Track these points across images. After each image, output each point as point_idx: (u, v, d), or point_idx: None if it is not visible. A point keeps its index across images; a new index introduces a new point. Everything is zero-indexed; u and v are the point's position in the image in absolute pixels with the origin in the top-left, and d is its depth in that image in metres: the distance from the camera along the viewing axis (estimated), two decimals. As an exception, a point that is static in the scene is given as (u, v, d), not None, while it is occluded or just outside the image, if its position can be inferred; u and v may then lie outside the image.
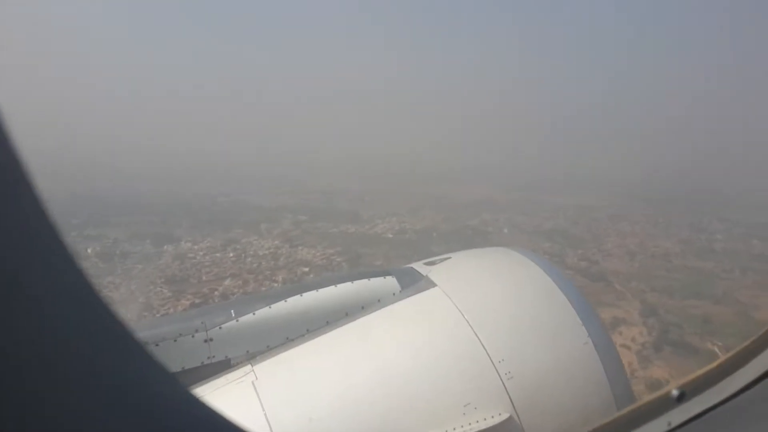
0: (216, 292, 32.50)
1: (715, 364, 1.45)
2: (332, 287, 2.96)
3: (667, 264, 49.59)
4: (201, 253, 41.86)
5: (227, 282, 34.50)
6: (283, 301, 2.85)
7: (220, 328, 2.69)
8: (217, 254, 42.12)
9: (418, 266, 3.30)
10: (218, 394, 2.49)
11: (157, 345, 2.54)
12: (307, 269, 39.62)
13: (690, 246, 57.08)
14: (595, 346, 2.65)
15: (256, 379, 2.52)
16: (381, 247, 49.47)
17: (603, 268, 46.68)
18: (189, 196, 74.77)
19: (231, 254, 42.13)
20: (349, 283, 2.99)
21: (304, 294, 2.90)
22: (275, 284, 34.75)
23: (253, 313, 2.78)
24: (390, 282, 3.04)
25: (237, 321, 2.74)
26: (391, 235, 54.43)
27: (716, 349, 31.56)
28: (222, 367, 2.67)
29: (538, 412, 2.52)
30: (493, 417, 2.43)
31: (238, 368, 2.65)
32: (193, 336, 2.64)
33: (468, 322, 2.65)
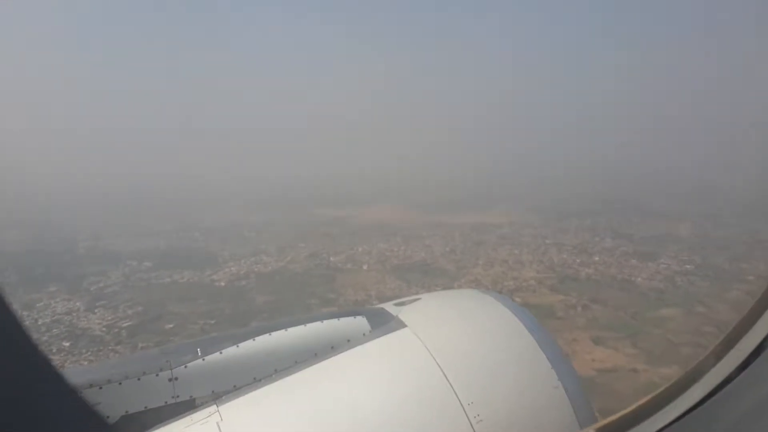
0: None
1: (631, 408, 1.52)
2: (302, 327, 2.93)
3: (505, 302, 47.08)
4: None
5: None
6: (251, 340, 2.81)
7: (185, 366, 2.62)
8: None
9: (389, 307, 3.28)
10: None
11: (120, 384, 2.48)
12: (67, 344, 36.43)
13: (554, 274, 54.88)
14: (565, 390, 2.65)
15: (221, 420, 2.43)
16: (197, 301, 46.38)
17: (429, 313, 43.91)
18: (49, 244, 71.14)
19: None
20: (318, 323, 2.97)
21: (273, 333, 2.87)
22: None
23: (220, 352, 2.72)
24: (360, 322, 3.03)
25: (203, 360, 2.68)
26: (223, 284, 51.32)
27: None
28: (186, 407, 2.57)
29: None
30: None
31: (203, 408, 2.55)
32: (157, 375, 2.57)
33: (438, 364, 2.64)
